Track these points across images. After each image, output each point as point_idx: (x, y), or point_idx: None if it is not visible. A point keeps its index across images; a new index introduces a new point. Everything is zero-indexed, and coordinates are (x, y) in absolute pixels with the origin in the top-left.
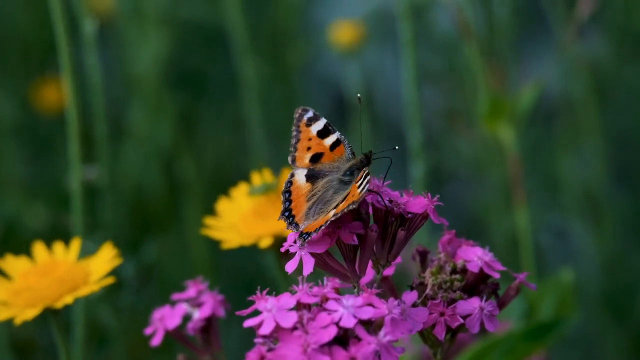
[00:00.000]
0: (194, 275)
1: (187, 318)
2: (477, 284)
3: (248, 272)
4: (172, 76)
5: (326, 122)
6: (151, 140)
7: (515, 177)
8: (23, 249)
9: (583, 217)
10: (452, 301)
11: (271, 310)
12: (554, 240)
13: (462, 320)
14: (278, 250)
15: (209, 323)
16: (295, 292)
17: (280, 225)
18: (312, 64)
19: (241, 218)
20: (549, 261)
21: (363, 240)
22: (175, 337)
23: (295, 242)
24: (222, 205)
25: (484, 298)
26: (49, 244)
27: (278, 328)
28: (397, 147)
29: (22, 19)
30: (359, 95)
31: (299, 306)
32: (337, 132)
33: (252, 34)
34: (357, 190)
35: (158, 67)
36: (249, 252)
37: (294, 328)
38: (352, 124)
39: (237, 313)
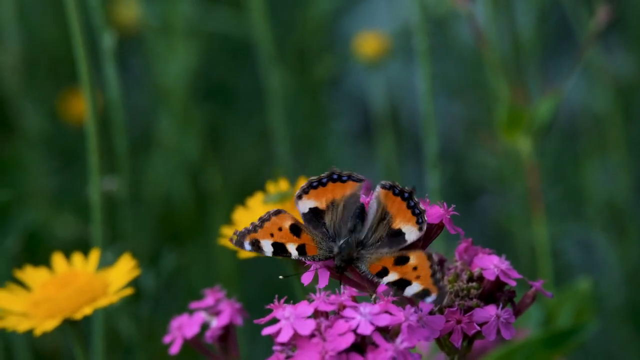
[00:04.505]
0: (221, 285)
1: (205, 326)
2: (493, 292)
3: (275, 282)
4: (200, 88)
5: None
6: (179, 152)
7: (533, 188)
8: (51, 258)
9: (607, 228)
10: (469, 309)
11: (289, 318)
12: (578, 252)
13: (478, 328)
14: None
15: (227, 331)
16: (313, 300)
17: None
18: (343, 78)
19: None
20: (573, 272)
21: None
22: (193, 345)
23: None
24: (239, 214)
25: (501, 306)
26: (77, 253)
27: (296, 336)
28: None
29: (51, 33)
30: None
31: (317, 314)
32: None
33: (279, 46)
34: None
35: (186, 79)
36: (276, 261)
37: (312, 335)
38: (379, 138)
39: (255, 321)
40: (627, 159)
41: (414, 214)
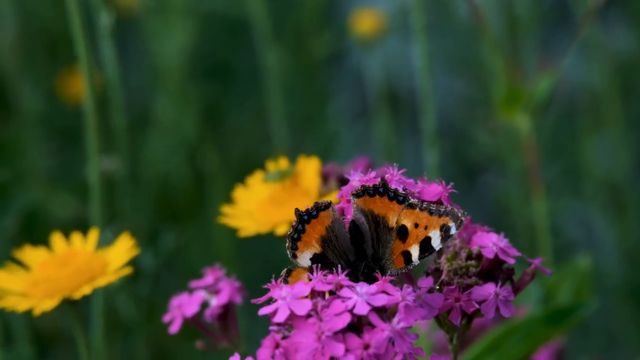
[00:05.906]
0: (220, 264)
1: (205, 305)
2: (492, 270)
3: (274, 260)
4: (197, 67)
5: None
6: (177, 131)
7: (532, 166)
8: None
9: (605, 205)
10: (468, 287)
11: (285, 298)
12: (577, 229)
13: (477, 306)
14: None
15: (227, 310)
16: (310, 279)
17: None
18: (345, 57)
19: (258, 205)
20: (573, 249)
21: None
22: (193, 324)
23: None
24: (239, 193)
25: (499, 284)
26: (76, 233)
27: (292, 316)
28: None
29: (48, 13)
30: None
31: (313, 294)
32: None
33: (276, 25)
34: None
35: (183, 58)
36: (275, 241)
37: (308, 315)
38: (375, 114)
39: (253, 301)
40: (626, 136)
41: (399, 202)
